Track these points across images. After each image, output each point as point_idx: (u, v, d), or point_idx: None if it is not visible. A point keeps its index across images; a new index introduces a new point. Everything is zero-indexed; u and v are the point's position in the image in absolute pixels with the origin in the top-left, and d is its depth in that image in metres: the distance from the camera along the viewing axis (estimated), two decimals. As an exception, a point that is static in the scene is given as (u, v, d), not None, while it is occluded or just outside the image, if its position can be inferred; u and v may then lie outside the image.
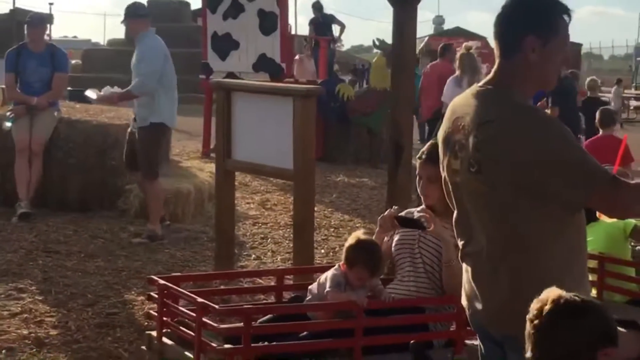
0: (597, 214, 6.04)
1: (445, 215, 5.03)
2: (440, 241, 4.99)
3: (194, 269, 8.13)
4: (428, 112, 15.10)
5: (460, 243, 3.43)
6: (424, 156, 5.13)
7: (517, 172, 3.06)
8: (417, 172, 5.19)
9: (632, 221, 6.06)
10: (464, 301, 3.38)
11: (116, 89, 9.34)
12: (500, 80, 3.23)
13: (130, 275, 7.85)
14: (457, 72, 11.83)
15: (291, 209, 10.61)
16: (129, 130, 9.34)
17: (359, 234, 5.12)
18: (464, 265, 3.38)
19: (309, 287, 5.08)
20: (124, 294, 7.30)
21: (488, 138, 3.12)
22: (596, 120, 10.45)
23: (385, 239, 5.24)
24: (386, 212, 5.21)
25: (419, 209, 5.23)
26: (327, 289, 4.80)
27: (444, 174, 3.45)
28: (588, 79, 17.72)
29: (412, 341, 2.75)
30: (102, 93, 9.48)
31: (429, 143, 5.32)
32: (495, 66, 3.27)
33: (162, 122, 9.01)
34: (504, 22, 3.23)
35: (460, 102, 3.36)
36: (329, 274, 4.93)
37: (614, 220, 6.08)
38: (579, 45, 39.88)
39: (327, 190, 12.63)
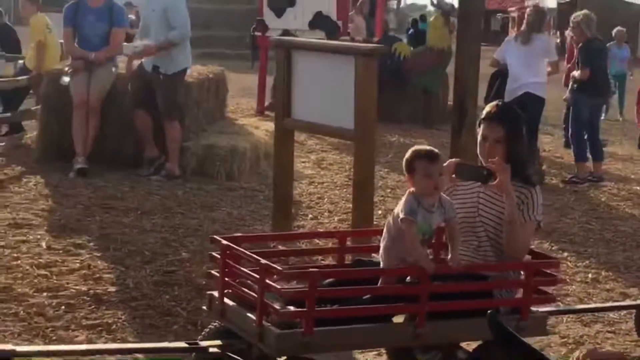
0: None
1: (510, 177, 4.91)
2: (502, 203, 4.83)
3: (250, 228, 8.09)
4: None
5: None
6: (492, 116, 4.97)
7: None
8: (481, 133, 5.03)
9: None
10: None
11: (147, 42, 9.71)
12: None
13: (188, 233, 7.83)
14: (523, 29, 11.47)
15: (347, 168, 10.57)
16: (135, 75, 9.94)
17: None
18: None
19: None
20: (181, 252, 7.27)
21: None
22: None
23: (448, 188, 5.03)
24: (450, 161, 5.03)
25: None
26: (401, 216, 4.64)
27: None
28: None
29: (489, 311, 2.65)
30: (136, 47, 9.80)
31: (493, 103, 5.18)
32: None
33: (187, 67, 9.97)
34: None
35: None
36: (400, 203, 4.75)
37: None
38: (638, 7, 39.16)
39: (382, 150, 12.50)
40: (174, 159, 9.74)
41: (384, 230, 4.81)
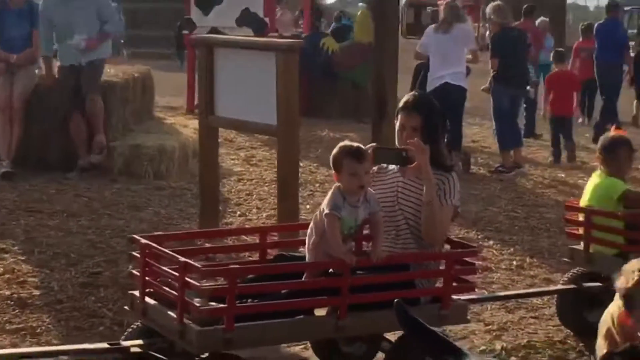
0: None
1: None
2: (421, 190, 4.89)
3: (178, 227, 8.07)
4: None
5: None
6: (409, 105, 5.06)
7: None
8: (399, 122, 5.11)
9: (623, 186, 6.02)
10: None
11: (83, 37, 9.88)
12: None
13: (114, 233, 7.78)
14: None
15: (276, 164, 10.56)
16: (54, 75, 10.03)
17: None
18: None
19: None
20: (107, 253, 7.23)
21: None
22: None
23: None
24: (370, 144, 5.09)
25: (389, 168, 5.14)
26: (326, 211, 4.68)
27: None
28: None
29: (395, 299, 2.67)
30: (79, 44, 9.84)
31: (410, 93, 5.26)
32: None
33: (106, 57, 10.37)
34: None
35: None
36: (326, 198, 4.79)
37: (609, 178, 6.05)
38: (564, -4, 39.56)
39: (312, 145, 12.54)
40: (101, 129, 9.86)
41: (311, 225, 4.84)
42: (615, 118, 14.38)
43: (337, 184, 4.76)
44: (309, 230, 4.86)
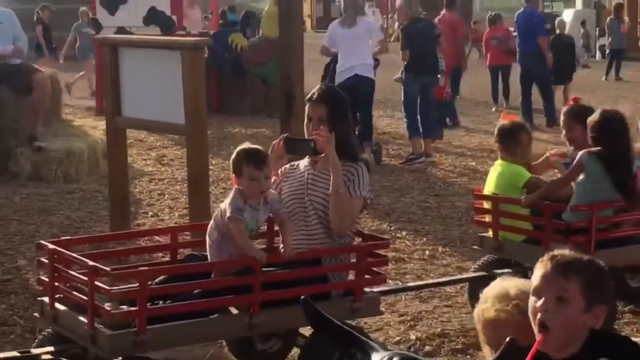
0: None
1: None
2: (329, 181, 4.92)
3: (90, 230, 7.97)
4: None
5: None
6: (314, 97, 5.11)
7: None
8: (306, 114, 5.15)
9: (527, 174, 6.11)
10: None
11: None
12: None
13: (24, 239, 7.66)
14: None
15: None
16: None
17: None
18: None
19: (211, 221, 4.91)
20: (17, 260, 7.12)
21: None
22: None
23: (276, 179, 5.11)
24: (272, 145, 5.12)
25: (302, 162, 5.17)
26: (228, 214, 4.67)
27: None
28: (557, 19, 19.22)
29: (302, 296, 2.69)
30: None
31: (318, 86, 5.29)
32: None
33: None
34: None
35: None
36: (227, 200, 4.78)
37: (512, 165, 6.13)
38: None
39: (224, 142, 12.50)
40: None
41: (212, 224, 4.83)
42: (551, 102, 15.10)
43: (237, 186, 4.77)
44: (209, 229, 4.85)
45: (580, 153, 5.95)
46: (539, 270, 2.81)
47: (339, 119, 5.08)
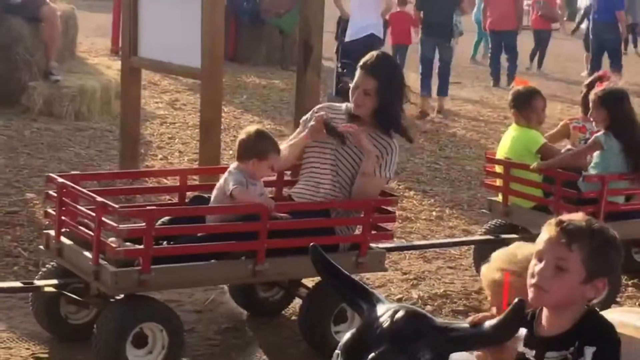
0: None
1: (372, 125, 4.97)
2: (360, 153, 4.91)
3: (98, 168, 7.97)
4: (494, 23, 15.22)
5: None
6: (367, 67, 4.98)
7: None
8: (355, 80, 5.04)
9: (542, 140, 6.09)
10: None
11: None
12: None
13: (32, 173, 7.65)
14: None
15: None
16: None
17: (249, 128, 4.99)
18: None
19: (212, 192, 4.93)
20: (25, 192, 7.12)
21: None
22: None
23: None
24: (315, 117, 5.05)
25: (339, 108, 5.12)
26: (231, 186, 4.66)
27: None
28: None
29: (311, 243, 2.67)
30: None
31: (370, 54, 5.14)
32: None
33: None
34: None
35: None
36: (225, 176, 4.79)
37: (527, 130, 6.11)
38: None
39: (237, 91, 12.46)
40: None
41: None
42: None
43: (236, 164, 4.76)
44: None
45: (597, 134, 5.97)
46: (545, 233, 2.76)
47: (387, 92, 4.96)
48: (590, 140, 6.12)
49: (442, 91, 12.36)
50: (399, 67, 5.21)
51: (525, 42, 17.08)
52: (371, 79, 4.94)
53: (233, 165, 4.83)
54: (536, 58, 18.21)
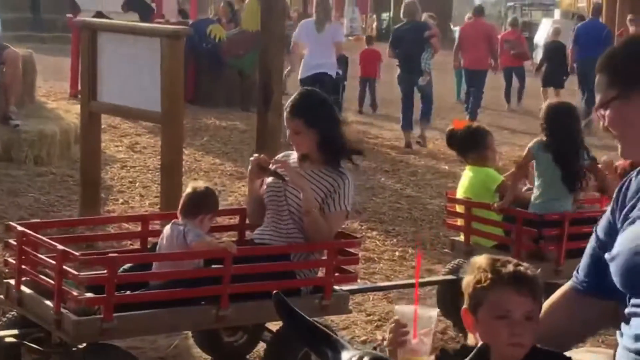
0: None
1: (320, 162, 4.97)
2: (313, 182, 4.90)
3: (59, 214, 7.90)
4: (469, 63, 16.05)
5: None
6: (288, 109, 5.02)
7: None
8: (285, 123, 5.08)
9: (500, 177, 6.15)
10: None
11: None
12: None
13: (-9, 220, 7.58)
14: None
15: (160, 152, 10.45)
16: None
17: (196, 184, 5.03)
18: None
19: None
20: (-17, 240, 7.03)
21: None
22: None
23: (260, 186, 5.11)
24: (252, 158, 5.08)
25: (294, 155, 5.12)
26: (191, 240, 4.67)
27: None
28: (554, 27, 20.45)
29: (274, 291, 2.65)
30: None
31: (295, 94, 5.18)
32: None
33: None
34: None
35: None
36: (167, 232, 4.79)
37: (484, 169, 6.15)
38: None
39: (198, 133, 12.45)
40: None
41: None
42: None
43: (183, 219, 4.82)
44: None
45: (531, 142, 6.08)
46: (500, 288, 2.74)
47: (318, 124, 4.95)
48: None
49: (424, 118, 13.37)
50: (324, 97, 5.19)
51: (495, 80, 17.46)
52: (295, 118, 4.98)
53: (179, 221, 4.80)
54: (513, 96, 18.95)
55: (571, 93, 17.24)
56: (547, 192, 6.00)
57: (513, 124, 16.69)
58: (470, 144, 6.23)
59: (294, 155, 5.10)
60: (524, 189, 6.28)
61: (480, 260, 2.86)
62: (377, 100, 16.97)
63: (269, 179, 5.03)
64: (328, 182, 4.91)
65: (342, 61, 13.11)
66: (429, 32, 13.26)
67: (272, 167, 4.96)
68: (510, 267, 2.76)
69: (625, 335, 2.67)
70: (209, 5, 20.33)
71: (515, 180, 6.19)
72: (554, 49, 18.07)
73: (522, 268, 2.77)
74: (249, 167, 5.05)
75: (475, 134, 6.26)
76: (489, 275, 2.76)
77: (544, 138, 6.01)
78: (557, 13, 36.75)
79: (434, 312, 2.80)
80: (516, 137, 14.55)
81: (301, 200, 4.84)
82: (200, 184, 5.02)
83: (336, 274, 4.99)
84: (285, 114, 5.05)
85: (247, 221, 5.29)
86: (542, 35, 20.23)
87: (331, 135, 5.00)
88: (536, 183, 6.07)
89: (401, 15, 13.31)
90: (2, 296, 4.85)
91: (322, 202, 4.88)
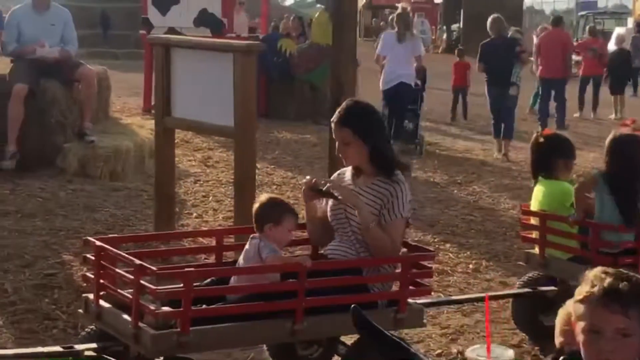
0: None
1: (373, 173, 4.95)
2: (370, 197, 4.89)
3: (134, 229, 8.01)
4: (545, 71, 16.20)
5: None
6: (335, 119, 4.99)
7: None
8: (333, 134, 5.07)
9: (572, 192, 6.06)
10: None
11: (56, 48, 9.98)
12: None
13: (69, 235, 7.71)
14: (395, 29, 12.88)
15: (233, 166, 10.53)
16: None
17: (260, 197, 5.03)
18: None
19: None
20: (62, 254, 7.17)
21: None
22: None
23: (319, 204, 5.11)
24: (304, 181, 5.07)
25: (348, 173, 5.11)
26: (266, 255, 4.70)
27: None
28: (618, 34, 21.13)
29: (352, 305, 2.66)
30: (52, 52, 9.90)
31: (342, 105, 5.15)
32: None
33: None
34: None
35: None
36: (247, 247, 4.82)
37: (559, 184, 6.08)
38: (521, 0, 39.94)
39: (269, 147, 12.53)
40: None
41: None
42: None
43: (257, 235, 4.81)
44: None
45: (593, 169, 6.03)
46: (592, 302, 2.70)
47: (366, 134, 4.92)
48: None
49: (507, 134, 13.44)
50: (370, 107, 5.16)
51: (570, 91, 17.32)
52: (343, 128, 4.94)
53: (254, 238, 4.83)
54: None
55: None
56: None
57: (590, 131, 16.56)
58: (556, 152, 6.15)
59: (348, 173, 5.09)
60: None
61: (592, 272, 2.82)
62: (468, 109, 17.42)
63: (330, 200, 5.02)
64: (382, 193, 4.88)
65: (422, 74, 13.37)
66: (520, 48, 13.53)
67: (324, 188, 4.95)
68: (606, 282, 2.72)
69: None
70: (280, 21, 20.45)
71: (583, 192, 6.10)
72: (619, 57, 18.61)
73: (620, 283, 2.70)
74: (302, 190, 5.04)
75: (563, 144, 6.21)
76: (587, 289, 2.74)
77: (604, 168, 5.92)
78: (630, 22, 36.26)
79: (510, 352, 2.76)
80: (588, 146, 14.39)
81: (372, 199, 4.84)
82: (264, 197, 4.99)
83: (410, 287, 4.98)
84: (332, 125, 5.03)
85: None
86: (614, 44, 20.29)
87: (382, 144, 4.98)
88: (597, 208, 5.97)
89: (488, 29, 13.53)
90: (81, 310, 4.92)
91: (379, 214, 4.87)
